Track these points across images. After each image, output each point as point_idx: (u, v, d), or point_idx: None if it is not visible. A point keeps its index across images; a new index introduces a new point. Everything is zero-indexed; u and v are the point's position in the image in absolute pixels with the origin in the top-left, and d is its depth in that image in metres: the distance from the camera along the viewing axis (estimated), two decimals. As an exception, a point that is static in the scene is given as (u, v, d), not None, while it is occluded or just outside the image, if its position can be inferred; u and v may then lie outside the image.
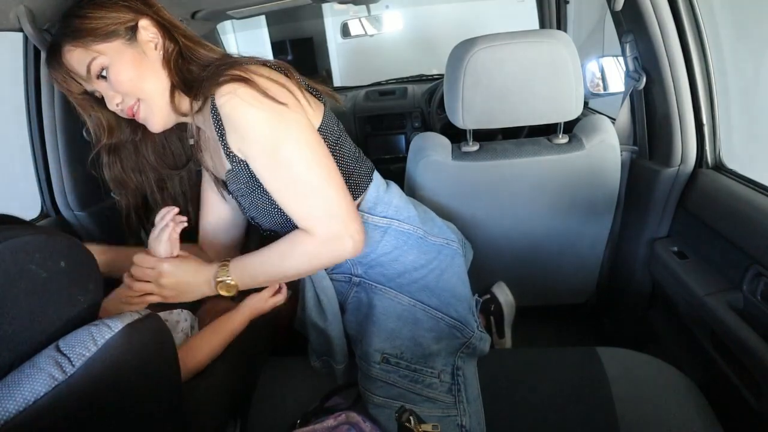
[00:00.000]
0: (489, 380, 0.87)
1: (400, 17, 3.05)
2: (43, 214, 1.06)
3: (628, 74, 1.11)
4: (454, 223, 1.06)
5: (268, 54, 3.56)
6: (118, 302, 0.76)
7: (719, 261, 0.96)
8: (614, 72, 1.32)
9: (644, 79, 1.06)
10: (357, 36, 2.33)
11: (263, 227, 0.83)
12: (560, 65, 1.00)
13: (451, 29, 3.24)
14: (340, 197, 0.70)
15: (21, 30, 0.76)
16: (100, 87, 0.71)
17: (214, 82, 0.66)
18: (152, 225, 0.80)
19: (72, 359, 0.45)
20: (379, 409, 0.80)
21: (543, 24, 1.99)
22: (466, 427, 0.79)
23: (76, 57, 0.68)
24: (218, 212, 0.90)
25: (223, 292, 0.74)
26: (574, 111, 1.04)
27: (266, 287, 0.84)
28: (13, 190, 1.24)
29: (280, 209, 0.76)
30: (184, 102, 0.73)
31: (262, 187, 0.74)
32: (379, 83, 2.26)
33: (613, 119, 1.20)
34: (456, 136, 1.17)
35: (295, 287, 0.89)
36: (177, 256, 0.75)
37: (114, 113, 0.75)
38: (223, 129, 0.69)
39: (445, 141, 1.15)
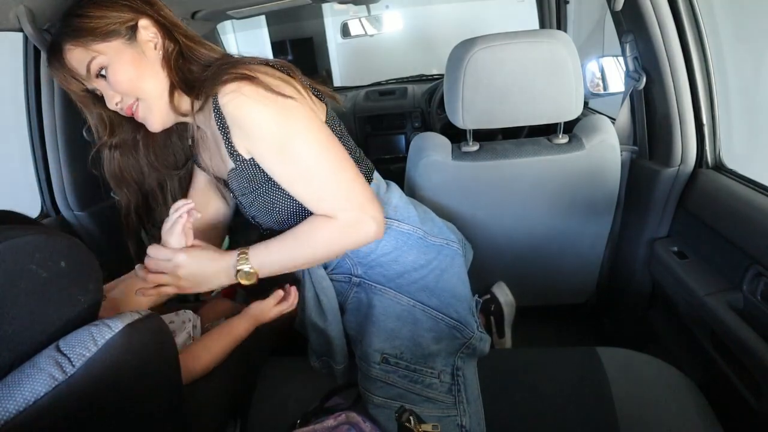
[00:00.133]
0: (489, 380, 0.87)
1: (400, 17, 3.05)
2: (43, 214, 1.06)
3: (628, 74, 1.11)
4: (454, 223, 1.06)
5: (268, 54, 3.56)
6: (130, 294, 0.75)
7: (719, 261, 0.96)
8: (614, 72, 1.32)
9: (644, 79, 1.06)
10: (357, 36, 2.33)
11: (263, 226, 0.83)
12: (560, 65, 1.00)
13: (451, 29, 3.24)
14: (356, 181, 0.71)
15: (21, 30, 0.76)
16: (99, 86, 0.71)
17: (218, 81, 0.66)
18: (152, 225, 0.80)
19: (72, 359, 0.45)
20: (379, 410, 0.80)
21: (543, 24, 1.99)
22: (466, 427, 0.79)
23: (76, 56, 0.68)
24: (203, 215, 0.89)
25: (242, 281, 0.73)
26: (574, 111, 1.04)
27: (271, 295, 0.84)
28: (12, 190, 1.24)
29: (281, 208, 0.76)
30: (185, 102, 0.73)
31: (265, 186, 0.74)
32: (379, 83, 2.26)
33: (613, 119, 1.20)
34: (456, 136, 1.17)
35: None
36: (192, 246, 0.74)
37: (116, 111, 0.75)
38: (227, 128, 0.69)
39: (445, 141, 1.15)
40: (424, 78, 2.25)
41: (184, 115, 0.74)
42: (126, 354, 0.49)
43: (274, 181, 0.73)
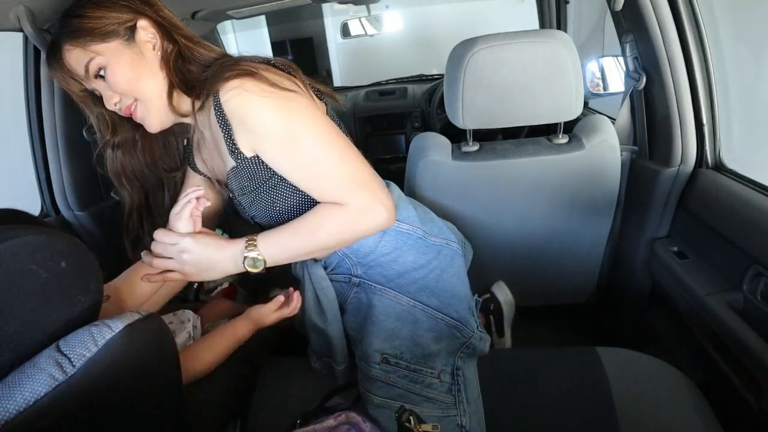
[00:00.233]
0: (489, 380, 0.87)
1: (400, 17, 3.05)
2: (43, 214, 1.06)
3: (628, 74, 1.11)
4: (454, 223, 1.06)
5: (268, 54, 3.56)
6: (135, 280, 0.75)
7: (719, 261, 0.96)
8: (614, 72, 1.32)
9: (644, 79, 1.06)
10: (357, 36, 2.34)
11: (263, 226, 0.83)
12: (560, 65, 1.00)
13: (451, 29, 3.24)
14: (363, 168, 0.71)
15: (21, 30, 0.76)
16: (98, 86, 0.71)
17: (220, 78, 0.66)
18: (152, 225, 0.80)
19: (72, 359, 0.45)
20: (379, 410, 0.79)
21: (543, 24, 1.99)
22: (465, 427, 0.79)
23: (75, 57, 0.68)
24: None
25: (250, 269, 0.72)
26: (574, 111, 1.04)
27: (272, 299, 0.84)
28: (12, 191, 1.24)
29: (282, 206, 0.76)
30: (184, 102, 0.73)
31: (266, 184, 0.74)
32: (379, 83, 2.26)
33: (613, 119, 1.20)
34: (456, 136, 1.17)
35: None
36: (199, 232, 0.74)
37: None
38: (229, 126, 0.69)
39: (445, 141, 1.15)
40: (424, 78, 2.25)
41: (184, 115, 0.74)
42: (126, 354, 0.49)
43: (275, 179, 0.73)
